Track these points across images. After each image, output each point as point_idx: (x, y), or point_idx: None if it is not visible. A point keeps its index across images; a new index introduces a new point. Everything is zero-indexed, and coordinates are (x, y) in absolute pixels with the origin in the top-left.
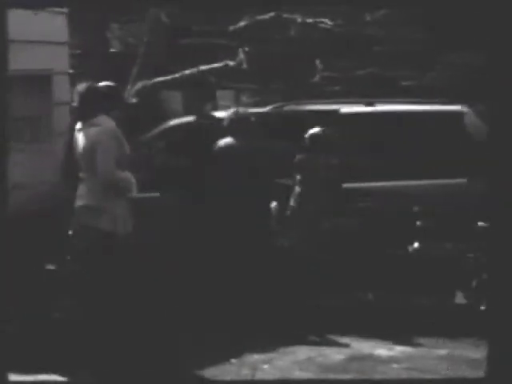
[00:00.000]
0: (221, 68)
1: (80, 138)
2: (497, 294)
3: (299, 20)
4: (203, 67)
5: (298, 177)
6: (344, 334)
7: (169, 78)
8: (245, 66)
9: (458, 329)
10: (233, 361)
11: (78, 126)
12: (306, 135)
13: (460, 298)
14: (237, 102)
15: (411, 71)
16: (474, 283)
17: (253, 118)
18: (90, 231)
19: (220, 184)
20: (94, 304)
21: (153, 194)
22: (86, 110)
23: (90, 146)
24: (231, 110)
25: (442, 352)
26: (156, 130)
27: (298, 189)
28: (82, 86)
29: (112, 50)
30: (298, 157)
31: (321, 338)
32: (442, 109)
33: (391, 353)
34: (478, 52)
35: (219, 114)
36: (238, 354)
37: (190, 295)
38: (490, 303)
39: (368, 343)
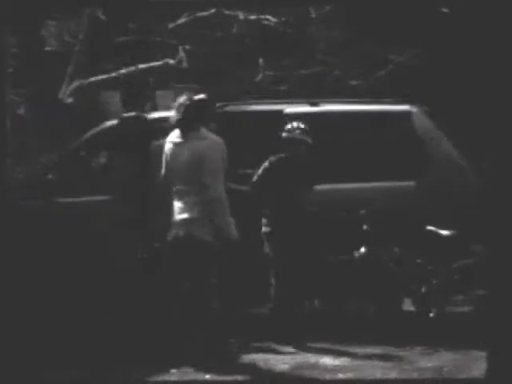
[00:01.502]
0: (160, 67)
1: (181, 151)
2: (497, 294)
3: (241, 17)
4: (142, 66)
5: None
6: (289, 342)
7: (106, 77)
8: (185, 64)
9: (408, 337)
10: (172, 371)
11: (176, 138)
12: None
13: (408, 305)
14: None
15: (358, 70)
16: (423, 289)
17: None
18: (195, 242)
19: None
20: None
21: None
22: (191, 123)
23: (198, 159)
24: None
25: (391, 362)
26: (92, 131)
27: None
28: (184, 99)
29: (47, 49)
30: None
31: (266, 347)
32: (390, 108)
33: (337, 362)
34: (422, 50)
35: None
36: (178, 362)
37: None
38: (489, 304)
39: (314, 352)
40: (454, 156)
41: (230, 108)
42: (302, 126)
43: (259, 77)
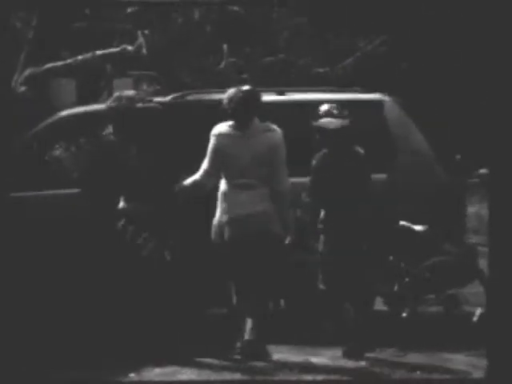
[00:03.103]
0: (118, 53)
1: (245, 144)
2: (496, 294)
3: (204, 1)
4: (98, 52)
5: None
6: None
7: (60, 64)
8: (144, 51)
9: (379, 338)
10: (131, 375)
11: (233, 131)
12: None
13: (380, 305)
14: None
15: (325, 58)
16: (395, 288)
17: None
18: (268, 236)
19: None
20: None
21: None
22: (251, 116)
23: (268, 151)
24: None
25: (362, 363)
26: (46, 122)
27: None
28: (236, 91)
29: None
30: None
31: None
32: (360, 97)
33: (306, 364)
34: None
35: None
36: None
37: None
38: (489, 304)
39: (282, 353)
40: (426, 148)
41: (192, 97)
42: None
43: (222, 64)
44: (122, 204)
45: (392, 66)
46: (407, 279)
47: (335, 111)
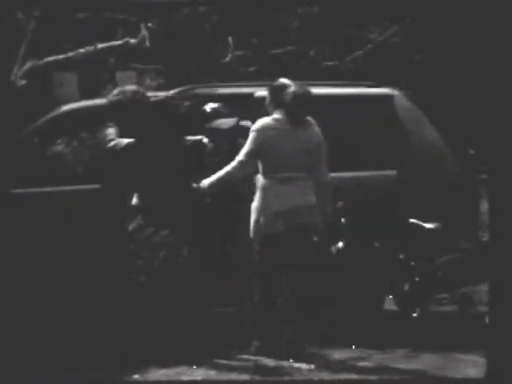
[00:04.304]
0: (121, 46)
1: (292, 137)
2: (496, 294)
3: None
4: (101, 45)
5: None
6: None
7: (62, 57)
8: (147, 43)
9: (389, 339)
10: (135, 376)
11: (280, 124)
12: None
13: (390, 304)
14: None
15: (335, 50)
16: (405, 287)
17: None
18: (309, 230)
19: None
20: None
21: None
22: (307, 110)
23: (315, 145)
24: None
25: (370, 364)
26: (47, 117)
27: None
28: (299, 86)
29: None
30: None
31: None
32: (370, 92)
33: (312, 366)
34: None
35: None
36: (141, 368)
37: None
38: (489, 303)
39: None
40: (438, 143)
41: (198, 91)
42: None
43: (228, 57)
44: (135, 201)
45: (404, 58)
46: (418, 278)
47: (224, 110)
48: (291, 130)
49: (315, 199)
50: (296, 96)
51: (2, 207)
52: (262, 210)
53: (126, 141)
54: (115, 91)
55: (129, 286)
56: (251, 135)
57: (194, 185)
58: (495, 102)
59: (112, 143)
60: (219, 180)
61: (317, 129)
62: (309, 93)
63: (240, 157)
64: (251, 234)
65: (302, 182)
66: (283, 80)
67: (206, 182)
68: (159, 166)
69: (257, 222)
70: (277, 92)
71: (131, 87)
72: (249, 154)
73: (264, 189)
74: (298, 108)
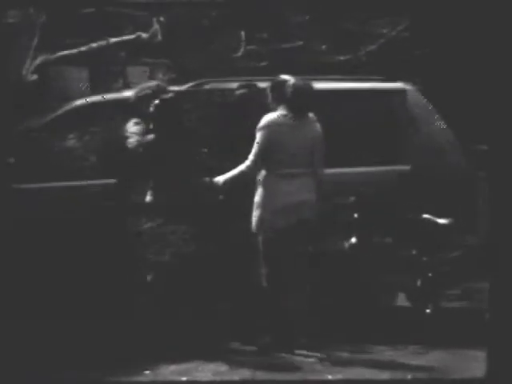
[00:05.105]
0: (132, 41)
1: (297, 133)
2: (496, 294)
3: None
4: (112, 40)
5: None
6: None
7: (74, 51)
8: (159, 38)
9: (402, 335)
10: (146, 372)
11: (287, 120)
12: None
13: (403, 300)
14: (151, 80)
15: (347, 44)
16: (418, 283)
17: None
18: (310, 224)
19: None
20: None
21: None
22: (309, 105)
23: (315, 141)
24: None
25: (384, 359)
26: (59, 112)
27: None
28: (301, 80)
29: (10, 21)
30: None
31: (244, 346)
32: (382, 86)
33: (325, 362)
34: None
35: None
36: (151, 364)
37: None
38: (490, 303)
39: (298, 352)
40: (450, 138)
41: (209, 86)
42: None
43: (239, 52)
44: (149, 197)
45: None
46: (430, 274)
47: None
48: (295, 125)
49: (315, 195)
50: (295, 88)
51: (13, 202)
52: (265, 205)
53: (149, 137)
54: (138, 87)
55: (140, 282)
56: (258, 134)
57: (208, 179)
58: (508, 99)
59: (134, 142)
60: (233, 178)
61: (318, 125)
62: (309, 85)
63: (252, 156)
64: (254, 229)
65: (305, 177)
66: (283, 76)
67: (220, 179)
68: (176, 162)
69: (260, 217)
70: (277, 88)
71: (152, 82)
72: (260, 153)
73: (267, 184)
74: (298, 100)
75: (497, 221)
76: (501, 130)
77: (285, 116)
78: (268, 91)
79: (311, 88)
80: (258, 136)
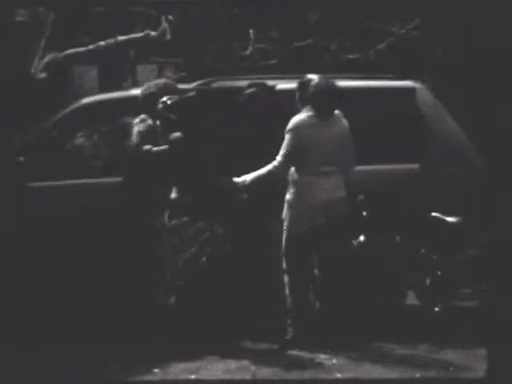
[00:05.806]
0: (141, 39)
1: (326, 132)
2: (496, 293)
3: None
4: (121, 38)
5: None
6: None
7: (82, 50)
8: (168, 36)
9: (411, 334)
10: (155, 370)
11: (315, 120)
12: None
13: (412, 299)
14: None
15: (357, 43)
16: (427, 281)
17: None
18: (343, 222)
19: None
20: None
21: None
22: (336, 104)
23: (345, 139)
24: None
25: (393, 359)
26: (68, 110)
27: None
28: (325, 80)
29: (18, 19)
30: None
31: (254, 345)
32: (391, 84)
33: (334, 360)
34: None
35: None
36: (160, 362)
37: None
38: (490, 303)
39: (308, 350)
40: (460, 136)
41: (218, 84)
42: None
43: (248, 50)
44: (174, 195)
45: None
46: (440, 273)
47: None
48: (322, 125)
49: (343, 192)
50: (318, 88)
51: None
52: (299, 204)
53: (174, 135)
54: (145, 85)
55: (158, 280)
56: (287, 136)
57: (235, 179)
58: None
59: (135, 141)
60: (260, 178)
61: (345, 121)
62: (333, 84)
63: (280, 157)
64: (289, 229)
65: (335, 175)
66: (309, 75)
67: (247, 178)
68: (202, 160)
69: (294, 216)
70: (303, 88)
71: (161, 80)
72: (288, 155)
73: (300, 184)
74: (322, 100)
75: (497, 220)
76: (510, 129)
77: (312, 116)
78: (296, 90)
79: (335, 87)
80: (288, 137)
